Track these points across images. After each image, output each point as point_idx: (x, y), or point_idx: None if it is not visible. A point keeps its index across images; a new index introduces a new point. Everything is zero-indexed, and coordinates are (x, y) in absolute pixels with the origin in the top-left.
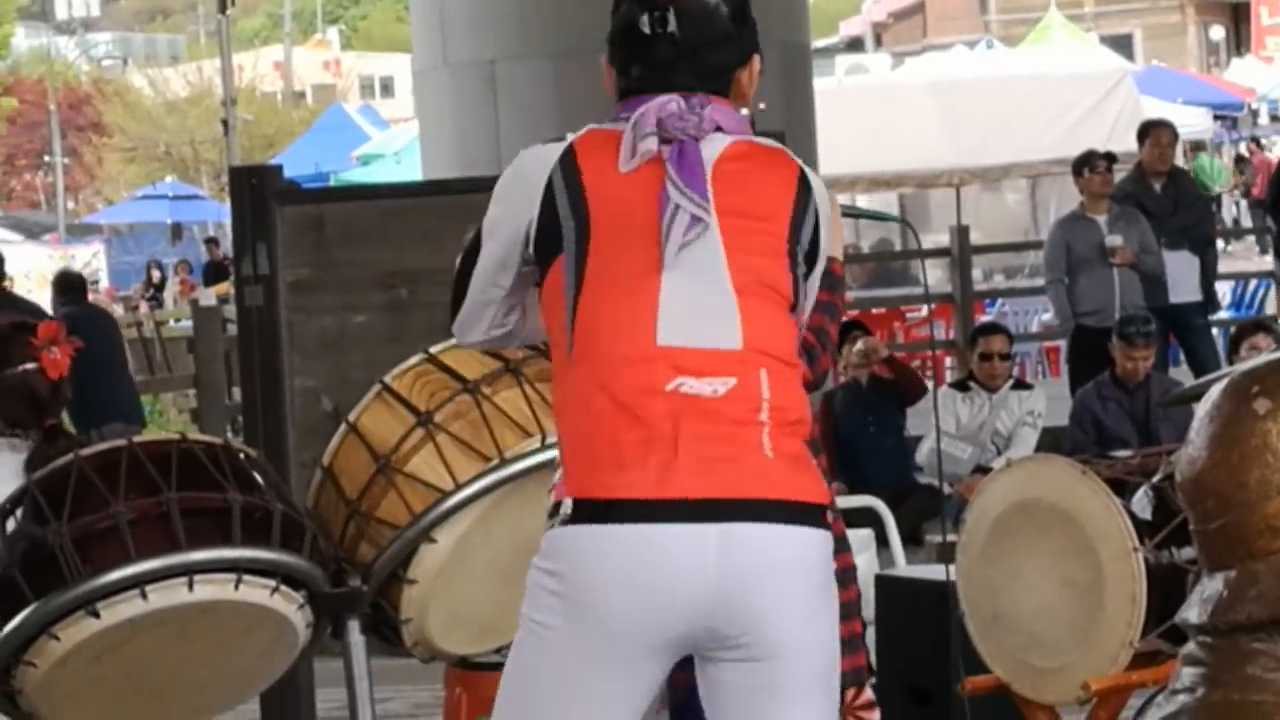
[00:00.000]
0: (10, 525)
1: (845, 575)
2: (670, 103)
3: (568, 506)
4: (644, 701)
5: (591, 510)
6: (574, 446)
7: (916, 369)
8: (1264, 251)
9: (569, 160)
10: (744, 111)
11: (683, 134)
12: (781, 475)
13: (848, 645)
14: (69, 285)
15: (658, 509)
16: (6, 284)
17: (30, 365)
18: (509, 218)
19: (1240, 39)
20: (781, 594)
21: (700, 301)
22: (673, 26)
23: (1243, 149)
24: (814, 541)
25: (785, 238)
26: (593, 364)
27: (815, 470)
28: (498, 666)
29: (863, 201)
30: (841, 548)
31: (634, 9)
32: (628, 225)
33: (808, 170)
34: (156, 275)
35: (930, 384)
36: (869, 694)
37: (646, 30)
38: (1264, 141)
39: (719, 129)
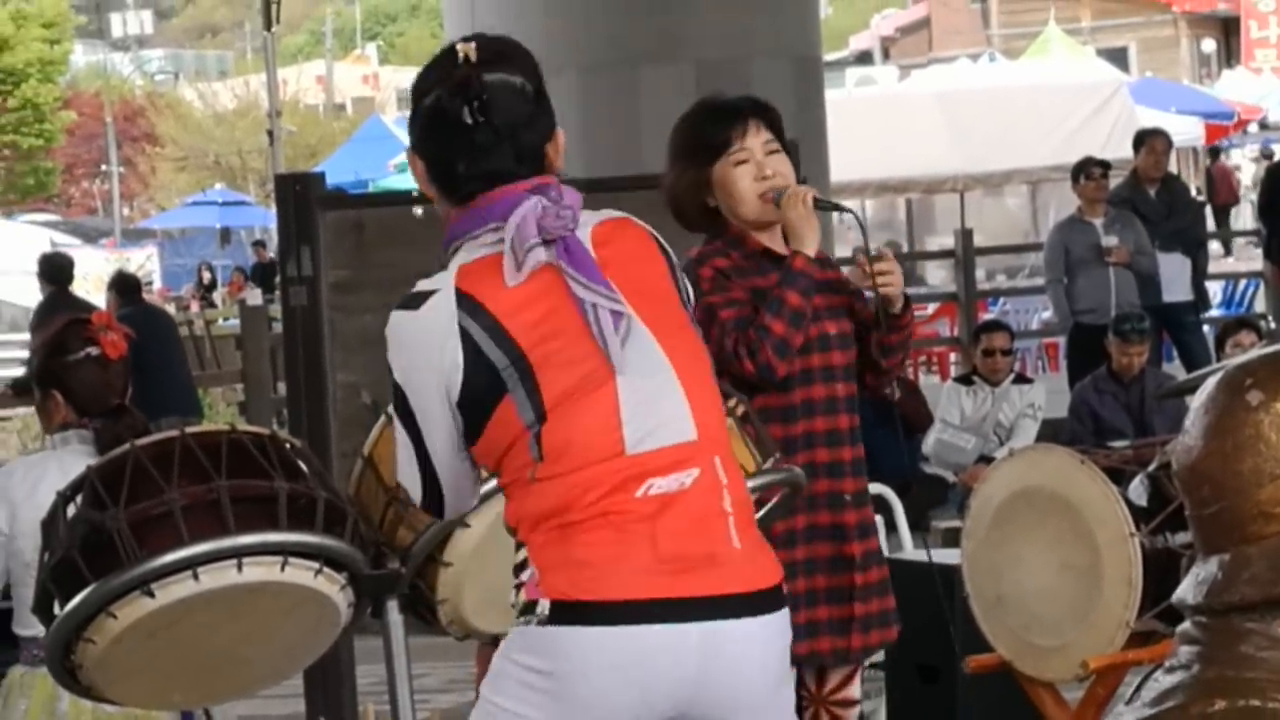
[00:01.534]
0: (71, 511)
1: (877, 557)
2: (536, 204)
3: (544, 607)
4: None
5: (572, 611)
6: (547, 552)
7: (921, 364)
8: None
9: (469, 305)
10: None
11: (564, 230)
12: (750, 566)
13: (889, 616)
14: (127, 286)
15: (635, 610)
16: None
17: (92, 349)
18: (432, 386)
19: (1230, 52)
20: (755, 683)
21: (653, 400)
22: (489, 114)
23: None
24: (779, 625)
25: (680, 306)
26: (564, 483)
27: (768, 548)
28: None
29: (870, 206)
30: (870, 533)
31: (449, 100)
32: (560, 340)
33: (649, 228)
34: (207, 277)
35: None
36: (854, 692)
37: (468, 120)
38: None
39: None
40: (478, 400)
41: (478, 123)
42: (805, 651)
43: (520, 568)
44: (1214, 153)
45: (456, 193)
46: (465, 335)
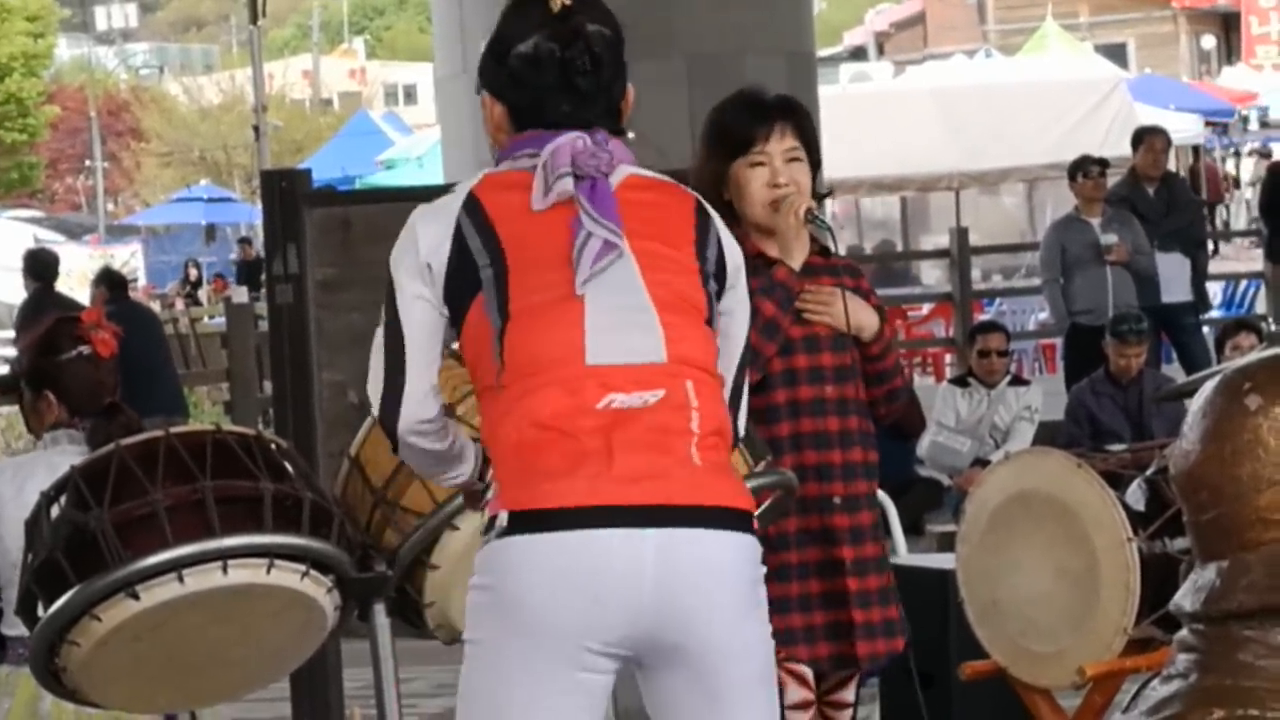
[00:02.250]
0: (55, 511)
1: (875, 563)
2: (578, 140)
3: (503, 519)
4: (595, 712)
5: (526, 520)
6: (508, 465)
7: (916, 365)
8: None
9: (473, 204)
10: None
11: (595, 171)
12: (711, 482)
13: (894, 626)
14: (114, 281)
15: (593, 515)
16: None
17: (83, 348)
18: (414, 268)
19: (1231, 48)
20: (716, 597)
21: (624, 319)
22: (593, 64)
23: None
24: (744, 546)
25: (694, 257)
26: (523, 389)
27: (738, 478)
28: None
29: (865, 205)
30: (867, 538)
31: (560, 47)
32: (544, 257)
33: (703, 201)
34: (194, 274)
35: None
36: (849, 695)
37: (581, 68)
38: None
39: (619, 163)
40: (456, 295)
41: (585, 71)
42: (806, 657)
43: (489, 487)
44: (1197, 151)
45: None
46: (458, 229)
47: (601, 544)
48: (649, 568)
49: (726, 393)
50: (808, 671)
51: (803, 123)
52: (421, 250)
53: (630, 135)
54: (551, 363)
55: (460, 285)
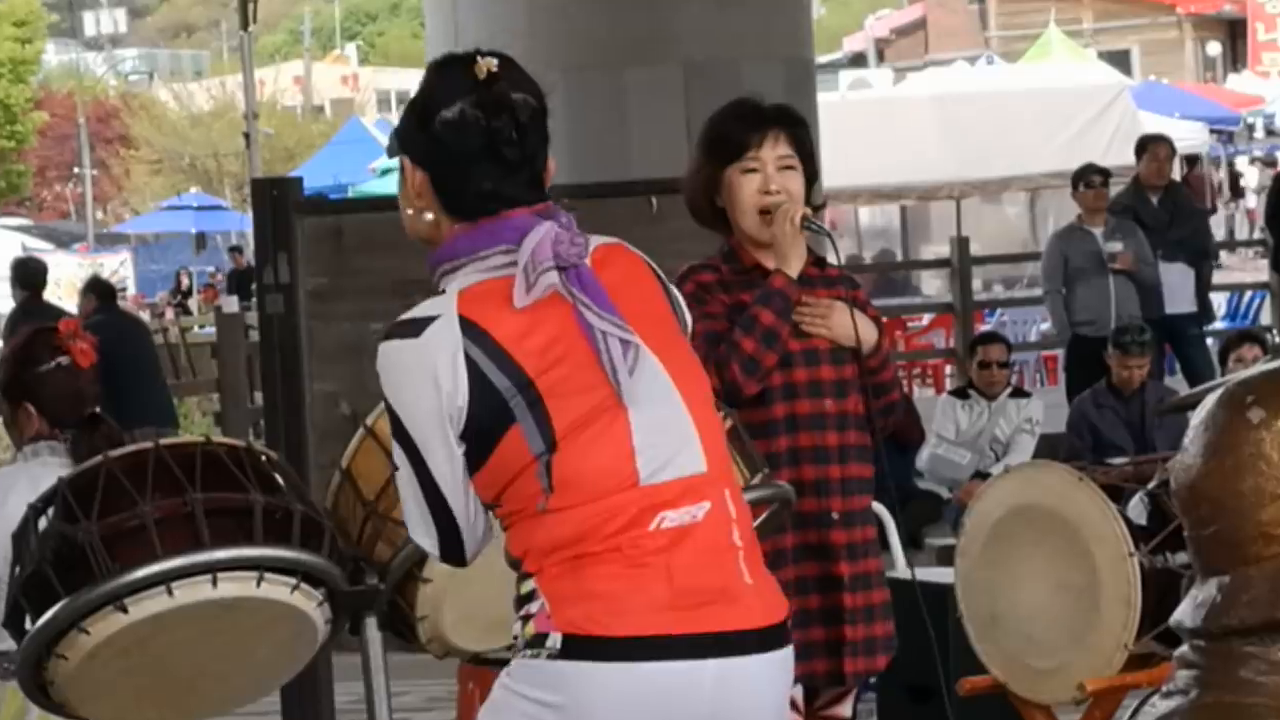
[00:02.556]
0: (42, 524)
1: (870, 579)
2: (550, 229)
3: (556, 641)
4: None
5: (584, 646)
6: (560, 585)
7: (916, 376)
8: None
9: (473, 330)
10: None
11: (576, 259)
12: (761, 601)
13: (875, 644)
14: (104, 291)
15: (652, 646)
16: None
17: (62, 359)
18: (435, 418)
19: (1237, 55)
20: (766, 716)
21: (665, 430)
22: (519, 135)
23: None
24: (786, 662)
25: (679, 329)
26: (578, 514)
27: (773, 580)
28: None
29: (865, 214)
30: (864, 554)
31: (484, 116)
32: (569, 367)
33: (640, 253)
34: (185, 282)
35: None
36: (845, 710)
37: (507, 138)
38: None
39: None
40: (483, 430)
41: (510, 142)
42: (799, 674)
43: (526, 599)
44: (1191, 160)
45: (465, 211)
46: (471, 363)
47: (666, 677)
48: (708, 699)
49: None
50: (797, 693)
51: (798, 132)
52: (443, 395)
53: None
54: (606, 484)
55: (489, 422)
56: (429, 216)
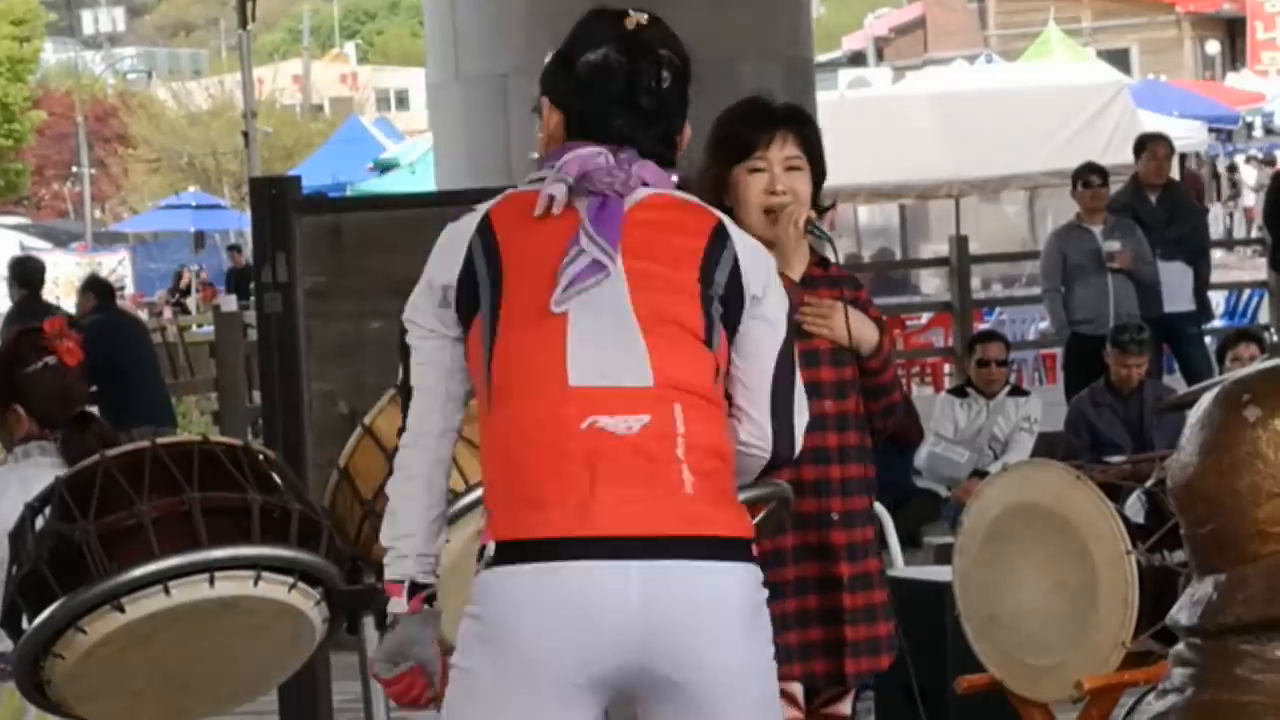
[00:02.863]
0: (40, 523)
1: (869, 580)
2: (598, 156)
3: (491, 549)
4: None
5: (513, 551)
6: (496, 491)
7: (915, 375)
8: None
9: (485, 226)
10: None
11: (609, 189)
12: (701, 511)
13: (878, 645)
14: (102, 289)
15: (578, 546)
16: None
17: (49, 359)
18: (428, 278)
19: (1235, 53)
20: (709, 630)
21: (608, 340)
22: (666, 84)
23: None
24: (737, 574)
25: (696, 279)
26: (508, 410)
27: (736, 505)
28: None
29: (864, 213)
30: (864, 554)
31: (623, 58)
32: (536, 273)
33: (728, 222)
34: (186, 279)
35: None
36: (845, 708)
37: (649, 85)
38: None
39: (644, 184)
40: (462, 311)
41: (650, 90)
42: (799, 673)
43: (486, 514)
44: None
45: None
46: (469, 249)
47: (587, 576)
48: (635, 601)
49: (755, 405)
50: (798, 690)
51: (807, 133)
52: (440, 267)
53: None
54: (533, 384)
55: (466, 306)
56: None
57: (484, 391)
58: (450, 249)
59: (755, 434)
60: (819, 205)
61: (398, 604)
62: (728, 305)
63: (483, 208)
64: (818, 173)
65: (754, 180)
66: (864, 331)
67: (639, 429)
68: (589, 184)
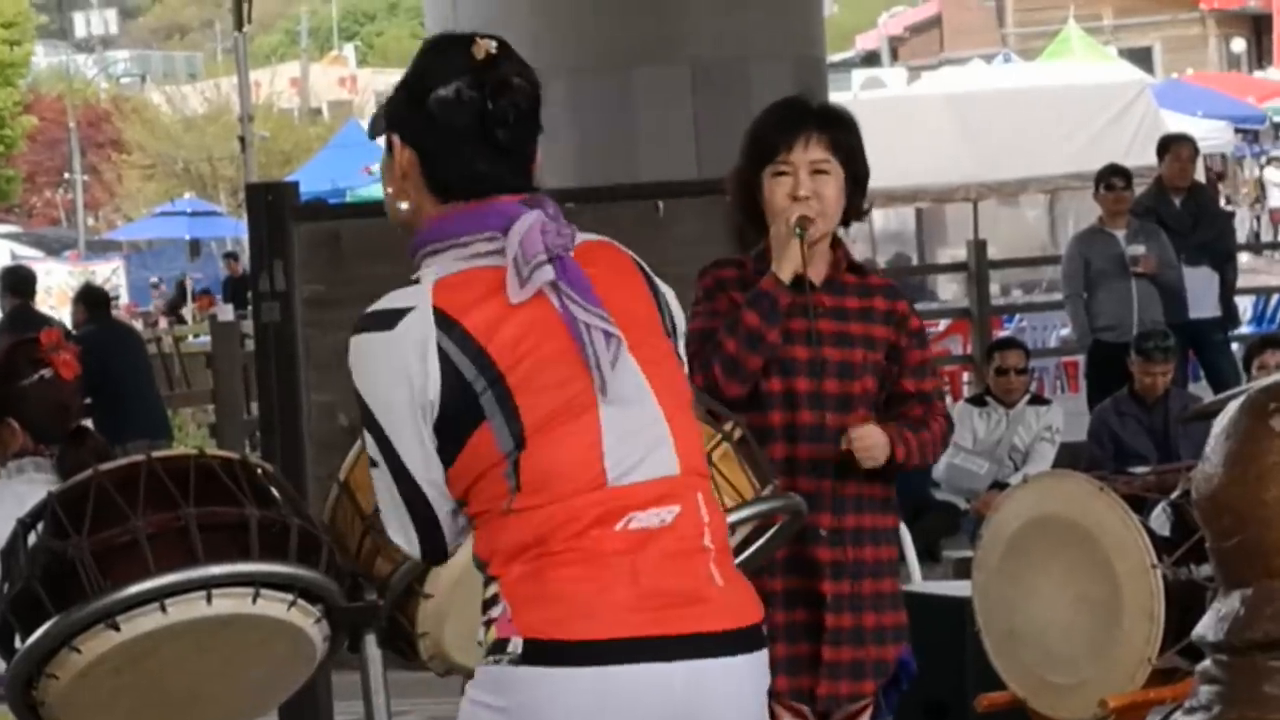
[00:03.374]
0: (32, 539)
1: (883, 600)
2: (538, 219)
3: (517, 646)
4: None
5: (546, 651)
6: (522, 588)
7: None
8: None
9: (446, 322)
10: None
11: (563, 250)
12: (733, 603)
13: (863, 668)
14: (95, 300)
15: (617, 650)
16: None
17: (44, 372)
18: (409, 412)
19: (1262, 51)
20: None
21: (637, 430)
22: (520, 116)
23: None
24: (760, 664)
25: (664, 331)
26: (542, 515)
27: (748, 585)
28: None
29: (879, 217)
30: (873, 573)
31: (481, 96)
32: (543, 361)
33: (629, 252)
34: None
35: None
36: None
37: (502, 120)
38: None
39: None
40: (454, 426)
41: (505, 124)
42: (789, 687)
43: (490, 603)
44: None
45: (453, 193)
46: (444, 356)
47: (630, 681)
48: (679, 705)
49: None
50: (806, 710)
51: (840, 134)
52: (415, 389)
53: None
54: (572, 483)
55: (460, 416)
56: (410, 198)
57: (501, 495)
58: (414, 363)
59: None
60: (856, 208)
61: None
62: (679, 342)
63: (421, 307)
64: (854, 175)
65: (779, 184)
66: (879, 452)
67: (672, 520)
68: (549, 252)
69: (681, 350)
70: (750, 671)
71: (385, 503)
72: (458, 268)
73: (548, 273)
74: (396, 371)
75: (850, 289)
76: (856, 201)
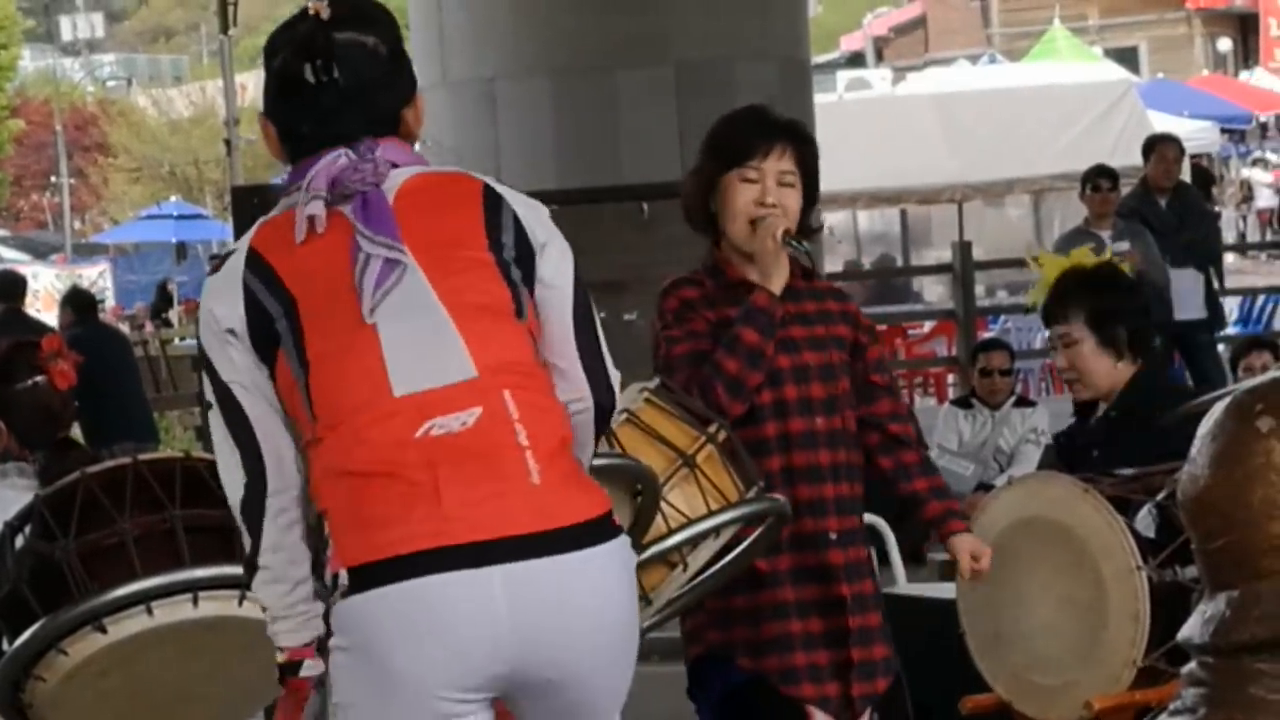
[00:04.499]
0: (19, 542)
1: (871, 600)
2: (339, 157)
3: (344, 578)
4: None
5: (367, 575)
6: (338, 518)
7: (917, 385)
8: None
9: (254, 259)
10: (416, 148)
11: (361, 185)
12: (555, 499)
13: (874, 668)
14: (82, 304)
15: (434, 559)
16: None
17: (39, 378)
18: (214, 334)
19: (1248, 51)
20: (582, 626)
21: (424, 340)
22: (336, 73)
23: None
24: (600, 558)
25: (486, 248)
26: (338, 435)
27: (586, 482)
28: None
29: (864, 218)
30: (861, 574)
31: (293, 61)
32: (330, 291)
33: (492, 182)
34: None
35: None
36: None
37: (311, 80)
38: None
39: (394, 166)
40: (262, 355)
41: (320, 83)
42: (814, 696)
43: (325, 544)
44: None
45: (292, 155)
46: (247, 289)
47: (446, 590)
48: (501, 607)
49: (561, 356)
50: (818, 714)
51: (805, 151)
52: (220, 321)
53: (423, 144)
54: (358, 403)
55: (263, 344)
56: (283, 167)
57: (308, 423)
58: (224, 297)
59: (569, 389)
60: (807, 226)
61: (315, 665)
62: (524, 266)
63: (242, 244)
64: (810, 193)
65: (745, 189)
66: None
67: (473, 423)
68: (342, 189)
69: (509, 259)
70: (589, 568)
71: (217, 442)
72: (278, 211)
73: (316, 208)
74: (211, 305)
75: (804, 294)
76: (805, 221)
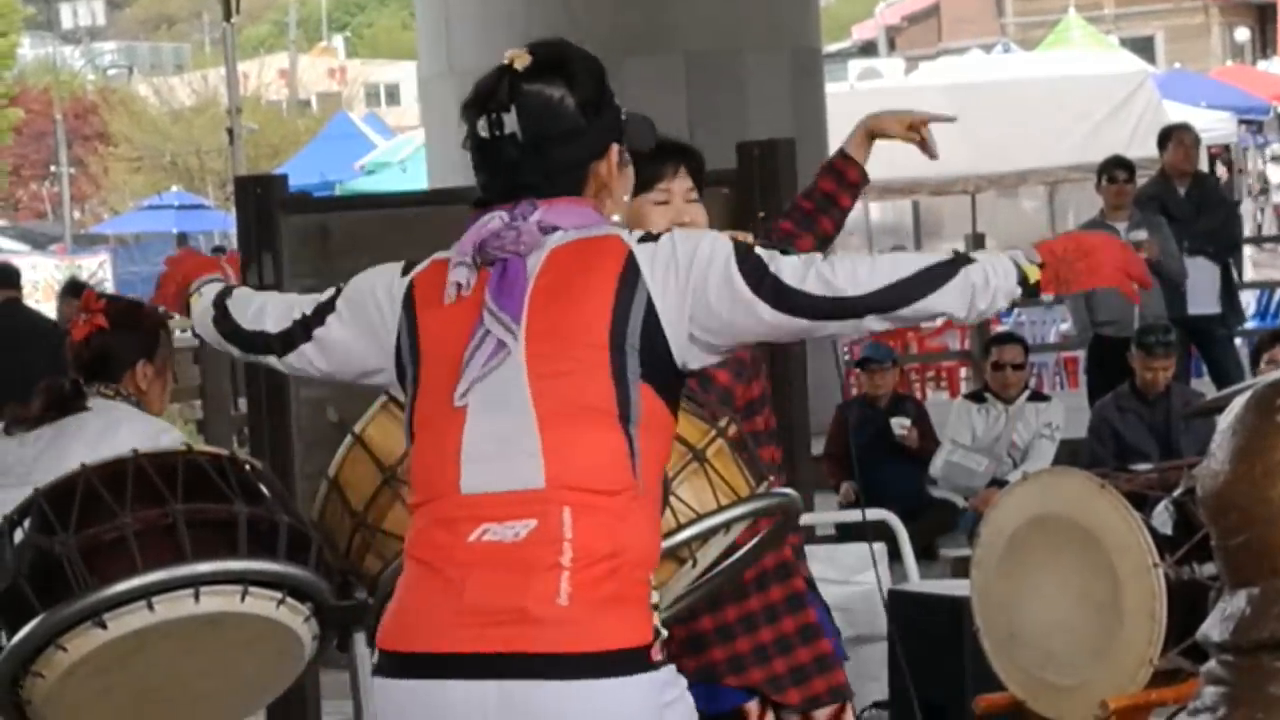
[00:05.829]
0: (18, 536)
1: (799, 599)
2: (493, 219)
3: (377, 655)
4: None
5: (384, 661)
6: (396, 589)
7: (930, 379)
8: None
9: (409, 301)
10: (613, 212)
11: (502, 252)
12: (579, 625)
13: (817, 665)
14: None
15: (438, 664)
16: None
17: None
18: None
19: (1266, 40)
20: None
21: (503, 439)
22: (511, 127)
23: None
24: (615, 691)
25: (606, 341)
26: (417, 513)
27: (629, 610)
28: None
29: (875, 209)
30: (791, 572)
31: (469, 113)
32: (449, 359)
33: (637, 250)
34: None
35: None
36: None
37: (485, 135)
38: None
39: (556, 229)
40: (399, 374)
41: (495, 137)
42: (798, 700)
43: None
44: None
45: (481, 206)
46: (399, 323)
47: (450, 695)
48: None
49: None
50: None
51: (696, 165)
52: (381, 302)
53: (613, 212)
54: (434, 493)
55: (400, 371)
56: None
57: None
58: (388, 301)
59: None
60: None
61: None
62: (647, 355)
63: (412, 272)
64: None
65: (659, 212)
66: None
67: (525, 535)
68: (488, 254)
69: (630, 349)
70: (597, 699)
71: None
72: (444, 256)
73: (460, 275)
74: (384, 288)
75: None
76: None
